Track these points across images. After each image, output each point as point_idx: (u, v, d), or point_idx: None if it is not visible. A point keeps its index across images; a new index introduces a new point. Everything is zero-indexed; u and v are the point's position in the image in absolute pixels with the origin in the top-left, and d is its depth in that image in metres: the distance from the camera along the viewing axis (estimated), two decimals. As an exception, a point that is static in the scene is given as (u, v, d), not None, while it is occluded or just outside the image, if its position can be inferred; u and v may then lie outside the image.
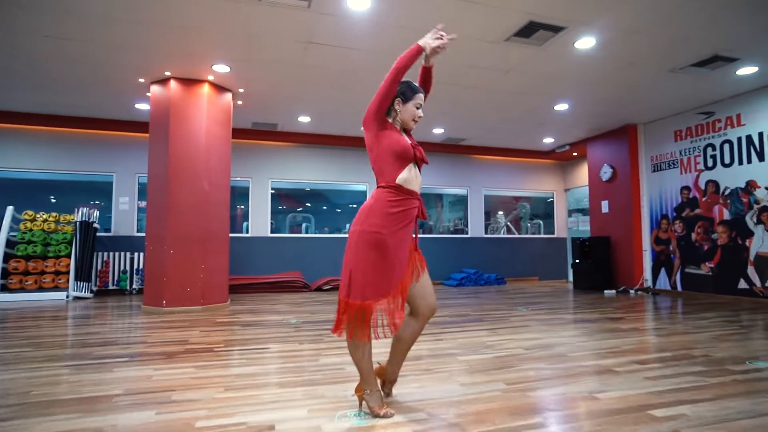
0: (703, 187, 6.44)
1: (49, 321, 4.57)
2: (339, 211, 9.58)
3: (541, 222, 10.35)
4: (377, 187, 2.00)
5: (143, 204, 7.50)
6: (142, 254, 7.10)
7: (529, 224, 10.23)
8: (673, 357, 3.04)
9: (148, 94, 5.72)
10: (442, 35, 2.02)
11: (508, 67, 5.04)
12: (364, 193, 8.80)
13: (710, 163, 6.34)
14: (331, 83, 5.54)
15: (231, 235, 7.65)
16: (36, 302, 6.07)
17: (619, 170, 7.55)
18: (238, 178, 7.81)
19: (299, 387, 2.41)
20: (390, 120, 2.05)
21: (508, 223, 9.98)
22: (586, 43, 4.43)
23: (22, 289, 6.43)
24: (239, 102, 6.14)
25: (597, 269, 7.40)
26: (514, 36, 4.28)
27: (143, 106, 6.33)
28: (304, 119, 7.04)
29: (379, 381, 2.11)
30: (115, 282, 7.12)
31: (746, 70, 5.15)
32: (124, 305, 5.72)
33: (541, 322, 4.41)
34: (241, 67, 5.06)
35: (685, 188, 6.68)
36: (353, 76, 5.31)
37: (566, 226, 9.89)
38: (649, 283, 7.17)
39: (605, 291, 7.17)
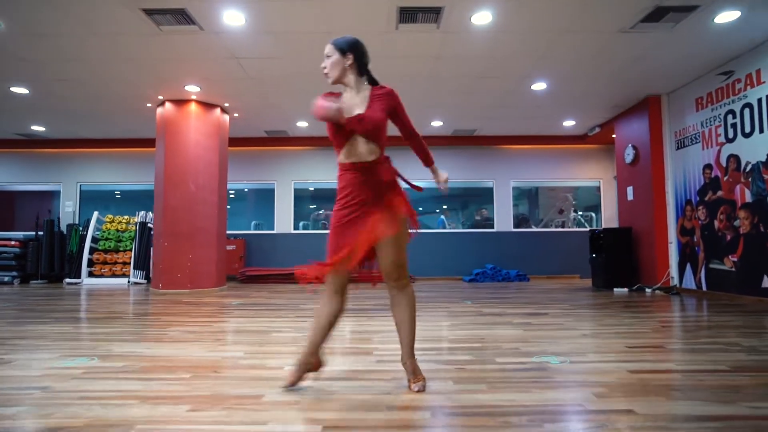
0: (724, 163, 5.28)
1: (114, 297, 5.98)
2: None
3: (593, 214, 9.31)
4: None
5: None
6: (186, 248, 8.50)
7: (578, 215, 9.26)
8: (459, 346, 2.84)
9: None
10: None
11: (438, 53, 4.94)
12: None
13: (731, 133, 5.17)
14: (284, 90, 6.04)
15: (256, 232, 8.66)
16: (110, 285, 7.77)
17: (641, 150, 6.53)
18: (263, 182, 8.80)
19: (117, 342, 3.00)
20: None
21: (579, 217, 9.20)
22: (482, 18, 4.17)
23: (102, 275, 8.28)
24: (235, 114, 7.04)
25: (613, 265, 6.50)
26: (400, 23, 4.27)
27: (172, 125, 7.66)
28: (302, 124, 7.67)
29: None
30: (167, 271, 8.66)
31: (727, 16, 4.17)
32: (150, 289, 7.04)
33: (447, 314, 4.28)
34: (208, 86, 5.90)
35: (707, 166, 5.53)
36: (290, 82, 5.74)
37: (616, 217, 8.72)
38: (677, 281, 6.06)
39: (615, 289, 6.28)
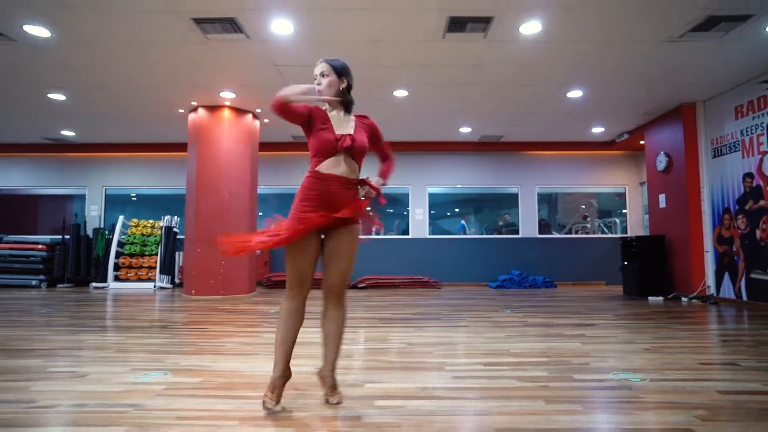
0: (767, 172, 5.23)
1: (146, 302, 5.98)
2: (380, 216, 9.95)
3: (617, 220, 9.26)
4: None
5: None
6: (210, 253, 8.52)
7: (599, 222, 9.22)
8: (532, 362, 2.82)
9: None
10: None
11: (479, 62, 4.92)
12: (406, 195, 9.05)
13: (774, 142, 5.14)
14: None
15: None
16: (136, 290, 7.78)
17: (675, 158, 6.49)
18: (286, 186, 8.81)
19: (161, 354, 2.99)
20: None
21: (600, 223, 9.16)
22: (531, 28, 4.16)
23: (128, 279, 8.30)
24: (265, 120, 7.05)
25: (646, 273, 6.45)
26: (449, 33, 4.26)
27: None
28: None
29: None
30: (192, 276, 8.67)
31: (772, 27, 4.15)
32: (177, 295, 7.05)
33: (492, 325, 4.25)
34: (243, 92, 5.90)
35: (748, 175, 5.48)
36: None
37: (642, 223, 8.68)
38: (713, 290, 6.01)
39: (650, 298, 6.23)
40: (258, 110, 6.64)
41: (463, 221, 9.63)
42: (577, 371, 2.61)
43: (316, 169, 2.08)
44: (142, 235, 8.52)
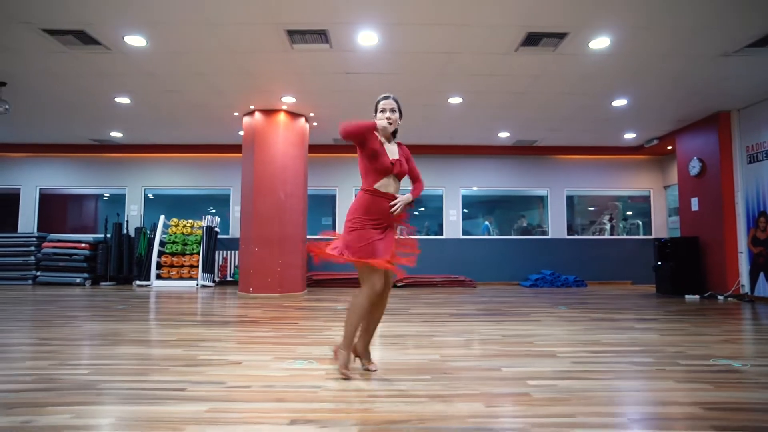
0: (803, 178, 5.59)
1: (205, 299, 6.20)
2: (416, 214, 10.24)
3: (639, 222, 9.61)
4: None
5: (253, 211, 9.18)
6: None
7: (623, 224, 9.58)
8: (636, 350, 3.11)
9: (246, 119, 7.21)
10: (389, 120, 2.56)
11: (536, 72, 5.21)
12: (440, 197, 9.33)
13: (811, 150, 5.49)
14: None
15: (319, 237, 8.87)
16: (179, 288, 7.98)
17: (708, 163, 6.84)
18: (325, 188, 9.05)
19: (287, 345, 3.24)
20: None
21: (614, 225, 9.49)
22: (600, 43, 4.46)
23: (169, 278, 8.49)
24: (314, 123, 7.29)
25: (681, 272, 6.80)
26: (522, 46, 4.54)
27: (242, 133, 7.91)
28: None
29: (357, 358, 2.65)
30: (231, 274, 8.88)
31: (822, 45, 4.49)
32: (228, 292, 7.26)
33: (560, 319, 4.54)
34: (303, 97, 6.15)
35: (784, 181, 5.84)
36: (395, 93, 5.99)
37: (666, 225, 9.05)
38: (747, 289, 6.36)
39: (686, 296, 6.57)
40: (311, 114, 6.88)
41: (487, 222, 9.94)
42: (679, 358, 2.89)
43: (375, 187, 2.49)
44: (183, 234, 8.72)
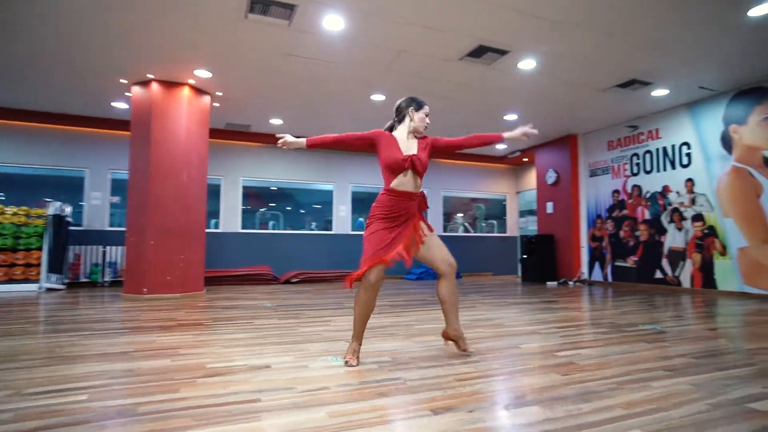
0: (629, 190, 7.40)
1: (34, 307, 4.84)
2: (303, 211, 10.04)
3: (495, 222, 11.21)
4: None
5: (116, 199, 7.72)
6: (114, 248, 7.33)
7: (484, 224, 11.07)
8: (585, 324, 3.78)
9: (127, 93, 6.04)
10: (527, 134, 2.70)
11: (465, 81, 5.73)
12: (330, 192, 9.31)
13: (635, 169, 7.31)
14: (304, 89, 6.06)
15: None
16: (6, 293, 6.20)
17: (562, 175, 8.46)
18: (211, 176, 8.14)
19: (285, 344, 2.94)
20: (405, 126, 2.66)
21: (465, 224, 10.78)
22: (527, 64, 5.18)
23: (-6, 281, 6.53)
24: (216, 104, 6.55)
25: (542, 264, 8.26)
26: (467, 56, 4.97)
27: (121, 105, 6.62)
28: (276, 121, 7.51)
29: (450, 342, 2.74)
30: (87, 274, 7.31)
31: (659, 92, 6.09)
32: (99, 295, 6.00)
33: (487, 305, 5.10)
34: (222, 73, 5.50)
35: (616, 191, 7.63)
36: (324, 84, 5.85)
37: (517, 225, 10.79)
38: (586, 276, 8.09)
39: (548, 282, 8.03)
40: (219, 93, 6.17)
41: (361, 219, 10.34)
42: (620, 326, 3.63)
43: (390, 186, 2.55)
44: (14, 224, 6.82)
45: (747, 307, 4.95)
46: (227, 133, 8.07)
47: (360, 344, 2.53)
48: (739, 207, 5.90)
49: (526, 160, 10.07)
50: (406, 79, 5.65)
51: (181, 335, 3.25)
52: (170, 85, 5.73)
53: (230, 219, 8.36)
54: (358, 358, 2.47)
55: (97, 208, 7.53)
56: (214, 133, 7.79)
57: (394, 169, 2.54)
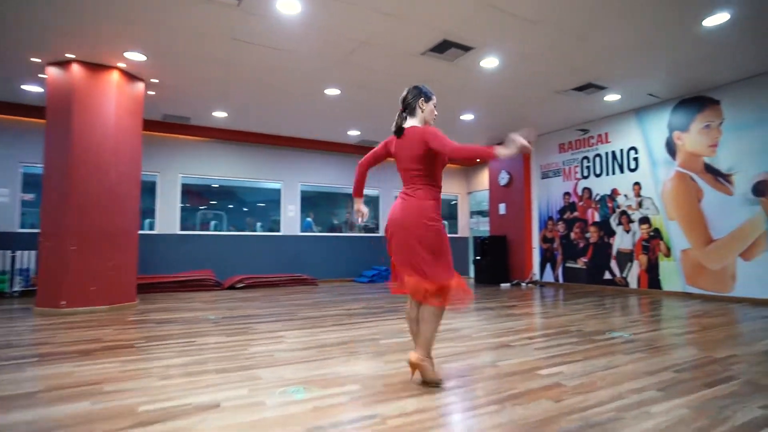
0: (580, 193, 7.54)
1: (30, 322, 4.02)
2: (246, 210, 9.43)
3: (446, 222, 11.14)
4: (428, 186, 2.35)
5: (29, 197, 6.77)
6: (27, 252, 6.41)
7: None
8: (553, 333, 3.66)
9: (41, 75, 5.24)
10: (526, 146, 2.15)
11: (426, 78, 5.49)
12: (278, 191, 8.79)
13: (585, 172, 7.46)
14: (248, 80, 5.55)
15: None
16: None
17: (514, 176, 8.49)
18: (146, 172, 7.38)
19: (235, 372, 2.53)
20: (416, 119, 2.43)
21: None
22: (490, 62, 5.03)
23: None
24: (151, 92, 5.87)
25: (495, 265, 8.25)
26: (430, 51, 4.73)
27: (33, 88, 5.76)
28: (220, 114, 6.91)
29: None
30: (-13, 284, 6.33)
31: (611, 97, 6.20)
32: (7, 309, 5.16)
33: (447, 310, 4.89)
34: (158, 58, 4.89)
35: (567, 194, 7.76)
36: (272, 75, 5.39)
37: (468, 226, 10.80)
38: (538, 277, 8.18)
39: (501, 284, 8.03)
40: (155, 80, 5.51)
41: (309, 218, 9.91)
42: (589, 335, 3.53)
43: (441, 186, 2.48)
44: None
45: (692, 307, 5.11)
46: (164, 126, 7.33)
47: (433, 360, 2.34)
48: (682, 211, 6.13)
49: (478, 160, 10.07)
50: (364, 73, 5.32)
51: (105, 363, 2.73)
52: (96, 67, 5.01)
53: (168, 219, 7.62)
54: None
55: (4, 206, 6.54)
56: (150, 125, 7.06)
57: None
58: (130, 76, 5.28)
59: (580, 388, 2.24)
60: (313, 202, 10.07)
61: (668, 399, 2.08)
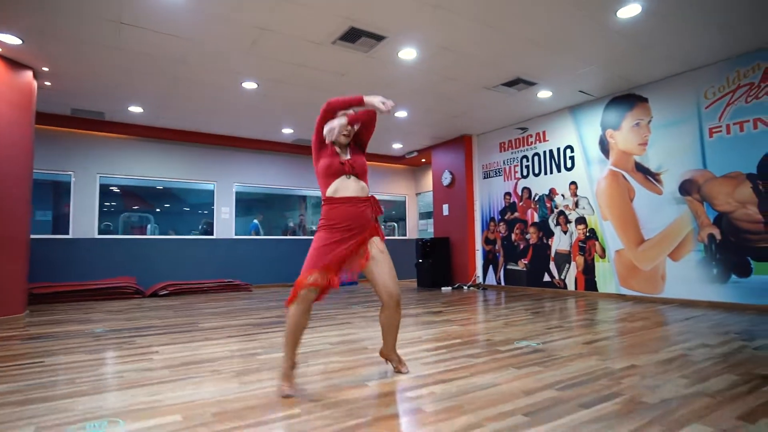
0: (520, 193, 7.37)
1: None
2: (187, 209, 8.92)
3: (395, 224, 10.89)
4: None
5: None
6: None
7: (383, 226, 10.68)
8: (460, 342, 3.38)
9: None
10: (389, 105, 2.38)
11: (343, 70, 5.18)
12: (211, 192, 8.31)
13: (525, 172, 7.29)
14: (157, 71, 5.11)
15: (41, 236, 6.66)
16: None
17: (457, 176, 8.28)
18: (54, 172, 6.81)
19: (46, 402, 2.11)
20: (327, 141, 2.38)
21: None
22: (408, 54, 4.75)
23: None
24: (47, 83, 5.34)
25: (437, 268, 8.00)
26: (340, 40, 4.41)
27: None
28: (136, 109, 6.41)
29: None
30: None
31: (544, 94, 6.03)
32: None
33: (367, 319, 4.58)
34: (39, 42, 4.39)
35: (507, 194, 7.58)
36: (182, 66, 4.97)
37: (417, 228, 10.55)
38: (480, 279, 7.97)
39: (443, 288, 7.78)
40: (45, 68, 4.99)
41: (256, 221, 9.48)
42: (491, 344, 3.27)
43: (327, 195, 2.37)
44: None
45: (622, 309, 4.95)
46: (77, 122, 6.77)
47: (292, 367, 2.26)
48: (616, 210, 6.01)
49: (423, 160, 9.85)
50: (276, 64, 4.96)
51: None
52: (-32, 53, 4.49)
53: (83, 223, 7.05)
54: (291, 384, 2.23)
55: None
56: (56, 120, 6.51)
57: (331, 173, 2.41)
58: (12, 62, 4.76)
59: (441, 414, 1.94)
60: (267, 204, 9.64)
61: (531, 426, 1.80)
